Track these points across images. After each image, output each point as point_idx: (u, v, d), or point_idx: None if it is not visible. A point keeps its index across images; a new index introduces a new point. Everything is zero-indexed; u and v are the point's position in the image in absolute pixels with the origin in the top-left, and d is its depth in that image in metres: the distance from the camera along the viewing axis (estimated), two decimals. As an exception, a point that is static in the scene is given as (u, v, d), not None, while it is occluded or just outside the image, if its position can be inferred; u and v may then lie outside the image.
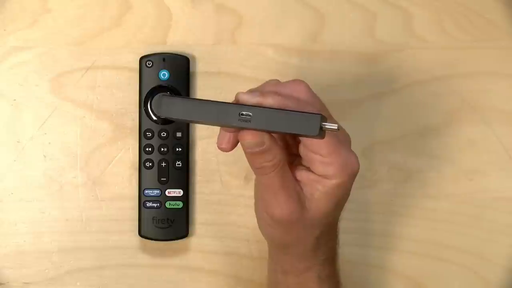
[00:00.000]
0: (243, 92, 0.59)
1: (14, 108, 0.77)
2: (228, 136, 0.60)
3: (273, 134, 0.59)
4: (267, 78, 0.75)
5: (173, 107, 0.57)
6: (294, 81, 0.62)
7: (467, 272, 0.79)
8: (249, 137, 0.58)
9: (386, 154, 0.78)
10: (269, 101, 0.58)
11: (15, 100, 0.77)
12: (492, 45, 0.79)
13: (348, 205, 0.64)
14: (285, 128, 0.56)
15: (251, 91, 0.59)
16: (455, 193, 0.79)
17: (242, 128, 0.58)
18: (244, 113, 0.57)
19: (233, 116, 0.57)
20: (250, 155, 0.59)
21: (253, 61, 0.77)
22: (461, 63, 0.79)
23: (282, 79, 0.63)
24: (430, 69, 0.79)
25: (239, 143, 0.60)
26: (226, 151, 0.60)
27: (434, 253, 0.78)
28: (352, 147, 0.63)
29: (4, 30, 0.77)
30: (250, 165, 0.60)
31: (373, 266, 0.78)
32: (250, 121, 0.56)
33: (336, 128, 0.56)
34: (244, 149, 0.59)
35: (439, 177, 0.78)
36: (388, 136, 0.78)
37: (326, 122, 0.56)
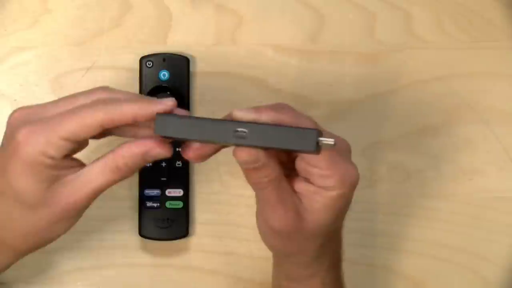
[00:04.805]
0: (238, 109, 0.58)
1: (14, 108, 0.76)
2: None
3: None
4: (267, 78, 0.75)
5: (168, 126, 0.57)
6: (277, 104, 0.60)
7: (467, 272, 0.79)
8: (243, 154, 0.57)
9: (386, 154, 0.78)
10: (264, 116, 0.57)
11: (15, 100, 0.77)
12: (491, 45, 0.79)
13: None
14: (281, 144, 0.56)
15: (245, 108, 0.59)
16: (455, 193, 0.79)
17: (238, 145, 0.57)
18: (239, 129, 0.56)
19: (228, 133, 0.56)
20: (246, 171, 0.59)
21: (253, 61, 0.77)
22: (460, 63, 0.79)
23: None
24: (430, 69, 0.79)
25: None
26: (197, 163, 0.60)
27: (434, 253, 0.78)
28: (352, 147, 0.62)
29: (5, 30, 0.77)
30: (246, 180, 0.60)
31: (372, 265, 0.78)
32: (245, 137, 0.56)
33: (332, 143, 0.55)
34: (240, 165, 0.59)
35: (438, 177, 0.78)
36: (388, 136, 0.78)
37: (322, 137, 0.55)
